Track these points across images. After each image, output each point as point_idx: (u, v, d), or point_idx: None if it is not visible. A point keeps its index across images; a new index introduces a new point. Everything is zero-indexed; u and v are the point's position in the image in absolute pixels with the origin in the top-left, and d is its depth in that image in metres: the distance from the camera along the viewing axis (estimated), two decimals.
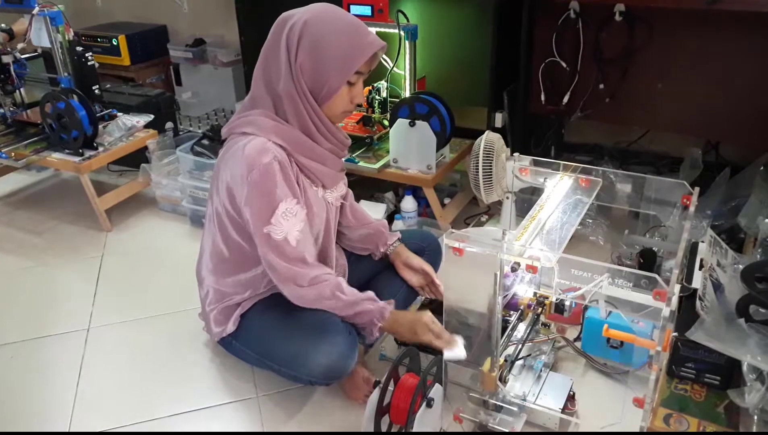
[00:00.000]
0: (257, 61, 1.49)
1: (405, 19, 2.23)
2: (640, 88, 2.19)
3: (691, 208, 1.37)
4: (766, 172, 1.96)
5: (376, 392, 1.36)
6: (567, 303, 1.53)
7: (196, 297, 1.73)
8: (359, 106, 1.66)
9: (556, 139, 2.73)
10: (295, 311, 1.58)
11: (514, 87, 2.42)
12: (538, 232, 1.31)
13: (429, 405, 1.36)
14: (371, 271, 1.85)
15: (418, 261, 1.78)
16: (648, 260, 1.96)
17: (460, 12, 2.53)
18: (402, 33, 2.23)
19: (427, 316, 1.50)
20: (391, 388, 1.37)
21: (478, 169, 2.14)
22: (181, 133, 3.02)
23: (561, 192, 1.47)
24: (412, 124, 2.17)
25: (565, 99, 2.30)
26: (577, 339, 1.71)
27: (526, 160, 1.59)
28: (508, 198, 2.26)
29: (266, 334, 1.57)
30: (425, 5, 2.54)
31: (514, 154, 2.18)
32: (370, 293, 1.53)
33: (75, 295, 2.11)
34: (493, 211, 2.49)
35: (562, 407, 1.46)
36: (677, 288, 1.18)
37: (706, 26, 2.02)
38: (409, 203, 2.32)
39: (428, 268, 1.78)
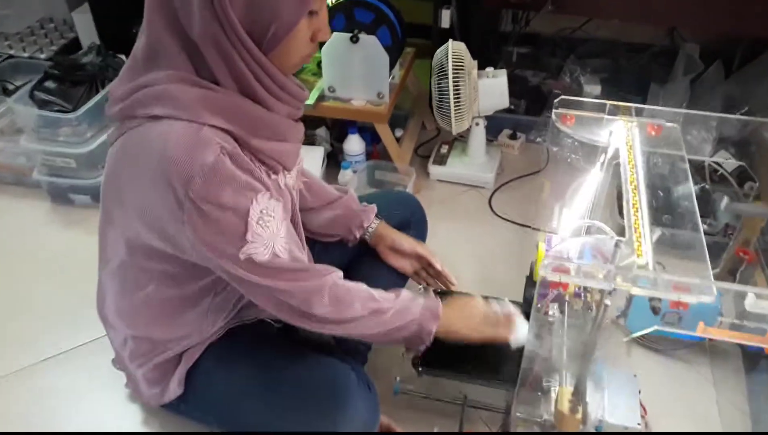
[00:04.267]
0: None
1: None
2: None
3: None
4: None
5: None
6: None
7: (91, 314, 1.16)
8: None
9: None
10: (276, 359, 1.09)
11: None
12: (655, 231, 0.90)
13: None
14: (343, 261, 1.37)
15: (408, 243, 1.32)
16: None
17: None
18: None
19: (478, 301, 1.13)
20: None
21: (447, 93, 1.66)
22: None
23: (638, 150, 1.05)
24: (354, 40, 1.60)
25: None
26: (621, 316, 1.39)
27: (567, 100, 1.13)
28: (478, 124, 1.83)
29: (240, 404, 1.07)
30: None
31: (490, 70, 1.72)
32: (404, 291, 1.09)
33: None
34: (443, 136, 2.03)
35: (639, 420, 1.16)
36: None
37: None
38: (354, 144, 1.79)
39: (423, 250, 1.33)
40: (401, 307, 1.05)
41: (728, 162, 1.65)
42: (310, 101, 1.69)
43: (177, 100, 0.86)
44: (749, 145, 1.67)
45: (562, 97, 1.13)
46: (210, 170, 0.84)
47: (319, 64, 1.74)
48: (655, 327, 0.85)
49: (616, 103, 1.15)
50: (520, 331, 1.09)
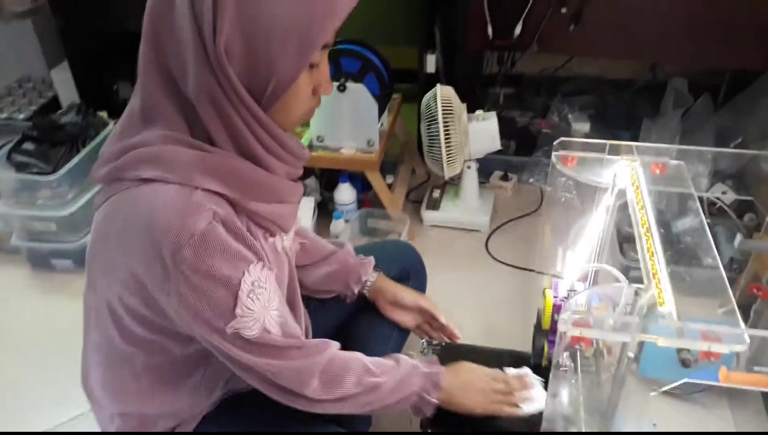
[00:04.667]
0: (142, 41, 0.82)
1: None
2: (613, 9, 1.76)
3: None
4: None
5: None
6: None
7: (75, 388, 1.07)
8: None
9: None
10: (275, 432, 1.02)
11: (447, 18, 1.89)
12: (672, 273, 0.86)
13: None
14: (341, 318, 1.31)
15: (410, 296, 1.27)
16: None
17: None
18: None
19: (487, 371, 1.06)
20: None
21: (437, 138, 1.63)
22: None
23: (645, 190, 1.02)
24: (341, 89, 1.57)
25: (517, 29, 1.82)
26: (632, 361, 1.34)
27: (566, 141, 1.10)
28: (470, 167, 1.80)
29: None
30: None
31: (486, 110, 1.70)
32: (403, 358, 1.02)
33: None
34: (434, 180, 2.00)
35: None
36: None
37: None
38: (345, 193, 1.75)
39: (426, 303, 1.28)
40: (400, 379, 0.98)
41: (726, 196, 1.63)
42: None
43: (168, 162, 0.81)
44: (746, 178, 1.65)
45: (562, 139, 1.10)
46: (200, 239, 0.78)
47: None
48: (685, 379, 0.80)
49: (616, 142, 1.12)
50: (536, 402, 1.04)
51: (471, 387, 1.03)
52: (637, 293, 0.81)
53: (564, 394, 1.05)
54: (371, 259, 1.28)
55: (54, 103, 2.32)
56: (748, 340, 0.74)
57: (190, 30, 0.76)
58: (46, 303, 1.65)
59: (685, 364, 0.77)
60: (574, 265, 1.15)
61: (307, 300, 1.24)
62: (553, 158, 1.10)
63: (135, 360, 0.97)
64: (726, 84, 1.96)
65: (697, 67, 2.02)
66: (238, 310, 0.83)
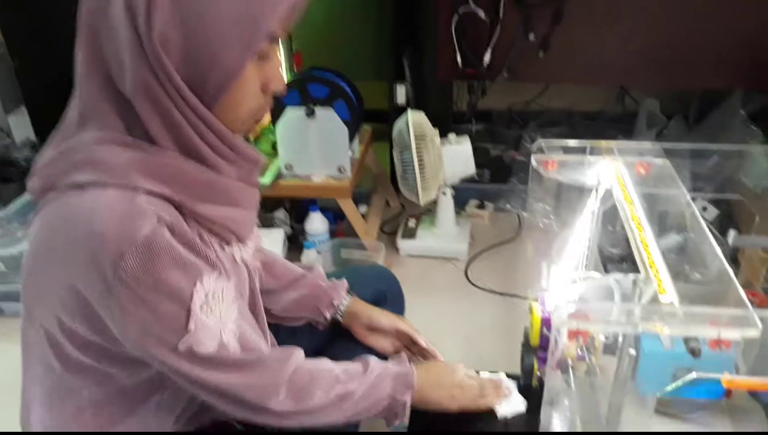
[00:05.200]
0: (77, 42, 0.76)
1: None
2: (580, 35, 1.76)
3: None
4: (746, 116, 1.65)
5: None
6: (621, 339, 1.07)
7: None
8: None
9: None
10: None
11: (415, 49, 1.88)
12: (673, 265, 0.80)
13: None
14: (312, 346, 1.21)
15: (387, 319, 1.17)
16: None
17: None
18: None
19: (459, 368, 1.03)
20: None
21: (411, 164, 1.58)
22: None
23: (631, 186, 0.97)
24: (310, 114, 1.52)
25: (486, 58, 1.81)
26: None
27: (543, 143, 1.05)
28: (445, 193, 1.75)
29: None
30: None
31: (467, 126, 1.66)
32: (373, 360, 0.95)
33: None
34: (409, 209, 1.94)
35: None
36: None
37: None
38: (317, 222, 1.67)
39: (404, 325, 1.18)
40: (371, 384, 0.91)
41: (707, 212, 1.60)
42: (267, 180, 1.58)
43: (104, 164, 0.72)
44: (725, 188, 1.63)
45: (541, 140, 1.05)
46: (144, 245, 0.69)
47: (274, 145, 1.65)
48: (695, 374, 0.72)
49: (596, 142, 1.08)
50: (512, 403, 1.02)
51: (443, 383, 0.99)
52: (635, 283, 0.75)
53: (558, 412, 0.97)
54: (344, 282, 1.19)
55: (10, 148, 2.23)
56: (760, 324, 0.68)
57: (125, 21, 0.69)
58: (8, 357, 1.52)
59: (694, 353, 0.70)
60: (561, 276, 1.09)
61: (276, 328, 1.15)
62: (534, 162, 1.05)
63: (80, 393, 0.86)
64: (695, 108, 1.97)
65: (665, 88, 2.03)
66: (191, 326, 0.74)
